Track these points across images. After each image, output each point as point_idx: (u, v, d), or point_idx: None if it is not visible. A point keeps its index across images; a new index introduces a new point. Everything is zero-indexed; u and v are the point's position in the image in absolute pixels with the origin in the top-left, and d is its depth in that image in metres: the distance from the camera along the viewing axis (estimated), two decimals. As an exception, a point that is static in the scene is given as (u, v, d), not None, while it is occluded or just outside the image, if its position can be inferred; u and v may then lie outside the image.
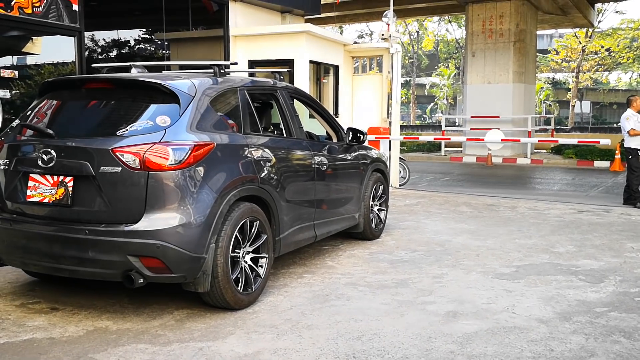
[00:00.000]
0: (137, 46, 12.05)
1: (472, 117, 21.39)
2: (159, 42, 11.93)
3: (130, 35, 11.92)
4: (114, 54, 11.68)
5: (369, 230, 6.85)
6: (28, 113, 4.76)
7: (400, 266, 5.85)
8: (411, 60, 50.79)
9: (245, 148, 4.72)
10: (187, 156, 4.15)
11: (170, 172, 4.09)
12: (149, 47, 12.00)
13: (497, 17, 21.44)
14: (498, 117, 20.49)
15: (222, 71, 5.01)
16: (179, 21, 11.56)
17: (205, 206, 4.22)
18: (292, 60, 10.67)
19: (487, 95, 21.36)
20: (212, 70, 5.08)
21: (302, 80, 10.67)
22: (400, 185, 11.97)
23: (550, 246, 6.71)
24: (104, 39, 11.62)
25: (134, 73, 4.91)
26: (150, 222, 4.06)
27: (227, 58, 10.88)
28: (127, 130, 4.20)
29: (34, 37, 8.38)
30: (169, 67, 9.61)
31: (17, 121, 4.78)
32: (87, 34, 8.52)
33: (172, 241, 4.07)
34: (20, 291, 5.04)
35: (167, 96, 4.38)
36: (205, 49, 11.51)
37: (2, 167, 4.54)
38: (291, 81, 10.57)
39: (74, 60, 8.08)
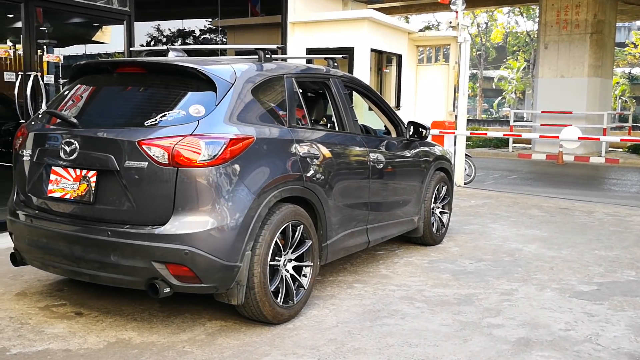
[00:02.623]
0: (193, 33, 11.72)
1: (542, 112, 20.25)
2: (216, 29, 11.58)
3: (186, 22, 11.60)
4: (169, 41, 11.37)
5: (429, 235, 6.22)
6: (57, 99, 4.37)
7: (464, 278, 5.21)
8: (479, 52, 49.23)
9: (290, 143, 4.18)
10: (222, 151, 3.65)
11: (203, 168, 3.60)
12: (205, 35, 11.65)
13: (573, 7, 20.17)
14: (571, 112, 19.30)
15: (268, 56, 4.47)
16: (236, 7, 11.18)
17: (241, 208, 3.71)
18: (352, 48, 10.07)
19: (559, 89, 20.16)
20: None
21: (363, 70, 10.07)
22: (465, 184, 11.22)
23: (637, 260, 5.92)
24: (161, 27, 11.34)
25: (171, 57, 4.43)
26: (179, 224, 3.59)
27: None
28: (156, 120, 3.72)
29: (84, 21, 8.11)
30: (223, 53, 9.22)
31: (43, 108, 4.40)
32: (144, 23, 8.21)
33: (202, 247, 3.59)
34: (47, 291, 4.68)
35: (203, 83, 3.88)
36: (263, 36, 11.07)
37: (26, 157, 4.16)
38: (350, 70, 9.99)
39: (123, 45, 7.75)
